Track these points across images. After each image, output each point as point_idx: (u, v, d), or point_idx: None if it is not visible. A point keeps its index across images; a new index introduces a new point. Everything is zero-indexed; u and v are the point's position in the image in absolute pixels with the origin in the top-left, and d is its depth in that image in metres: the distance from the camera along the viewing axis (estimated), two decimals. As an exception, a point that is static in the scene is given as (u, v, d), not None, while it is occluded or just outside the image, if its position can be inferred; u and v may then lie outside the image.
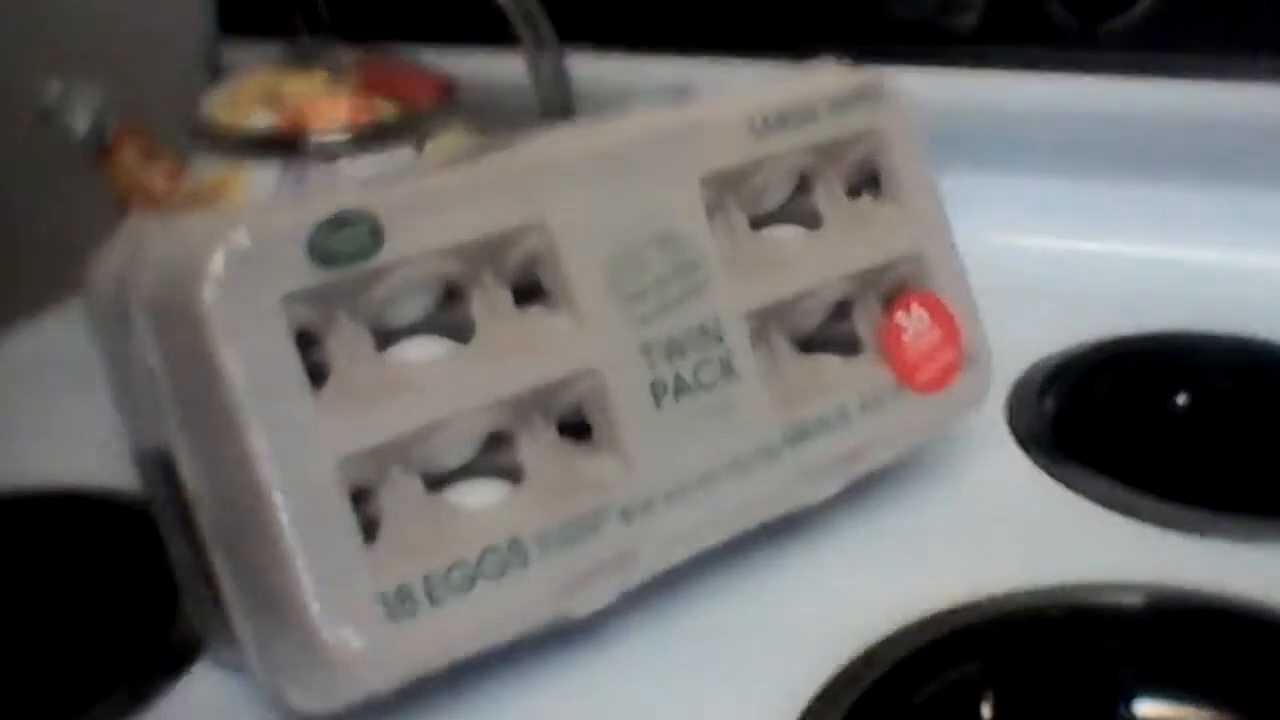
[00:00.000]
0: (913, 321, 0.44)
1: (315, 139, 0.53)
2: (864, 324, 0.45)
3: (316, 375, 0.35)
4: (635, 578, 0.39)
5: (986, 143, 0.62)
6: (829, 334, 0.45)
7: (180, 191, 0.55)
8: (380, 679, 0.35)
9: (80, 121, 0.56)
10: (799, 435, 0.41)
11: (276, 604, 0.34)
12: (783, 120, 0.43)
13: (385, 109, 0.53)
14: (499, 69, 0.59)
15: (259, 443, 0.34)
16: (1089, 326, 0.57)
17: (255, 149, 0.53)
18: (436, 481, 0.37)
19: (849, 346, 0.44)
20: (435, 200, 0.37)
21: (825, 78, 0.44)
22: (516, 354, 0.38)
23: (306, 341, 0.35)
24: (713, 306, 0.40)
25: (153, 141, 0.57)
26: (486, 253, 0.38)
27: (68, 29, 0.85)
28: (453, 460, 0.38)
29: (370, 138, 0.53)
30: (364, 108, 0.53)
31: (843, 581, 0.43)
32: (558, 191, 0.39)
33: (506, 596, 0.36)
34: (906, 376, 0.44)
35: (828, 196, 0.45)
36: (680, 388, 0.39)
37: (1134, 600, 0.41)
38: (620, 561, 0.38)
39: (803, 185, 0.45)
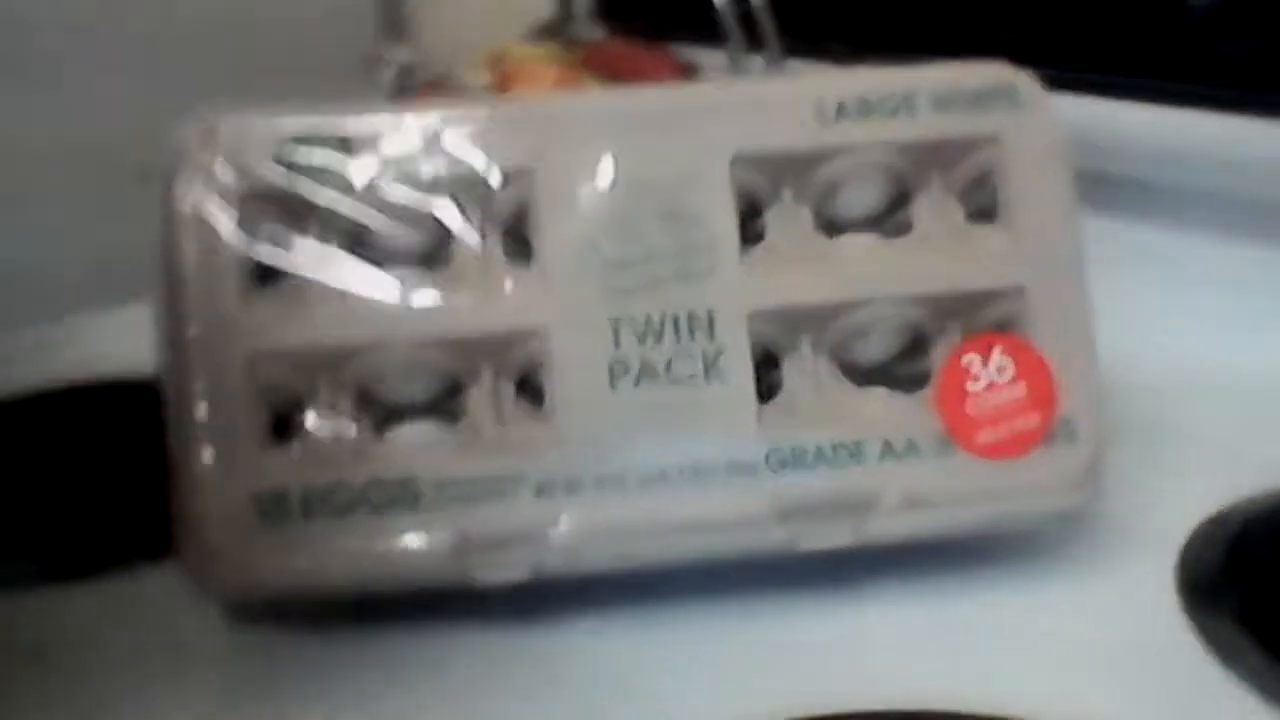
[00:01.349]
0: (989, 369, 0.37)
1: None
2: (940, 363, 0.38)
3: (274, 278, 0.37)
4: (551, 561, 0.36)
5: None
6: (901, 370, 0.38)
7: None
8: (245, 581, 0.36)
9: (387, 75, 0.61)
10: (788, 461, 0.36)
11: (179, 490, 0.36)
12: (864, 109, 0.37)
13: (592, 84, 0.53)
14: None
15: (190, 328, 0.36)
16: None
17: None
18: (390, 415, 0.37)
19: (915, 385, 0.38)
20: (412, 128, 0.37)
21: (942, 71, 0.38)
22: (465, 296, 0.36)
23: (279, 242, 0.37)
24: (711, 297, 0.36)
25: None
26: (469, 190, 0.37)
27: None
28: (399, 395, 0.37)
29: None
30: (570, 79, 0.53)
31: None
32: (561, 142, 0.37)
33: (387, 535, 0.35)
34: (960, 432, 0.37)
35: (929, 209, 0.38)
36: (645, 374, 0.36)
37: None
38: (531, 537, 0.36)
39: (905, 196, 0.39)
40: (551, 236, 0.36)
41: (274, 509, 0.35)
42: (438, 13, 0.65)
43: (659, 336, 0.36)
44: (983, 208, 0.38)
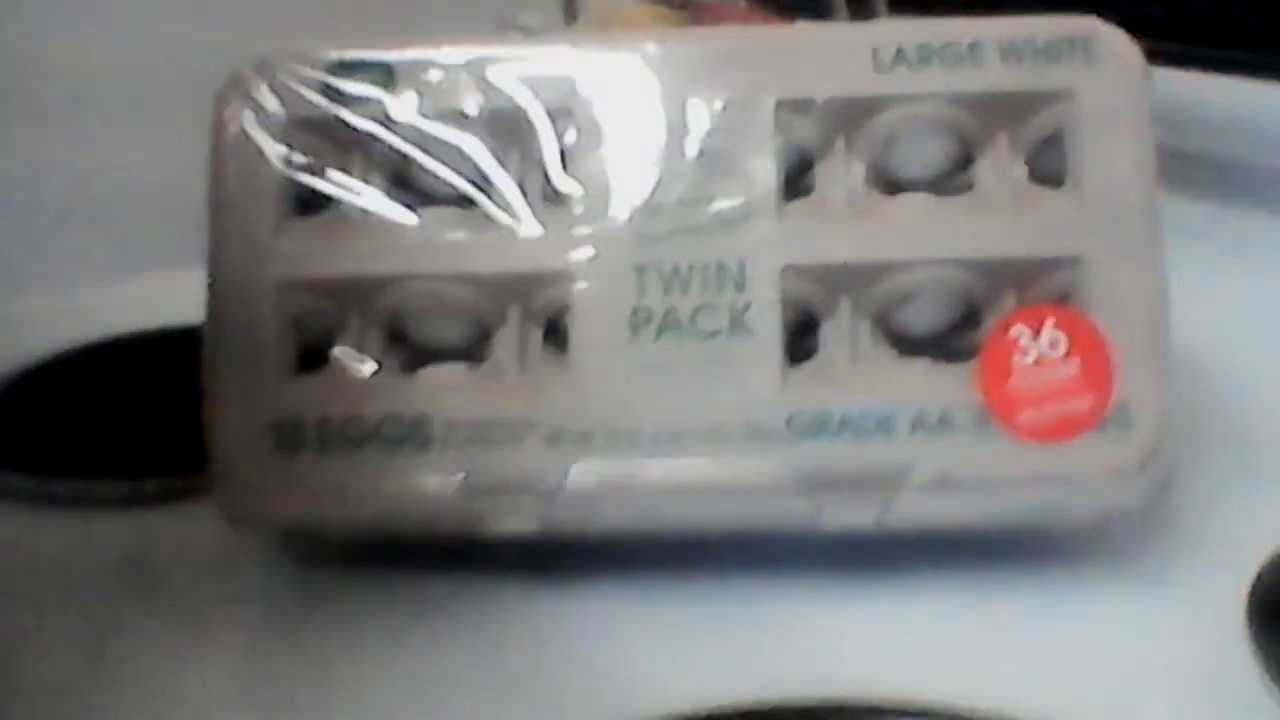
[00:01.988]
0: (1039, 343, 0.34)
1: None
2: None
3: (316, 206, 0.37)
4: (561, 515, 0.35)
5: None
6: (955, 344, 0.36)
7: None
8: (259, 508, 0.36)
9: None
10: (810, 428, 0.34)
11: (206, 413, 0.36)
12: (924, 56, 0.35)
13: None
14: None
15: (225, 252, 0.36)
16: None
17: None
18: (421, 356, 0.37)
19: (963, 356, 0.35)
20: (453, 65, 0.36)
21: (1013, 20, 0.35)
22: (493, 234, 0.36)
23: (318, 173, 0.37)
24: (743, 248, 0.35)
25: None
26: (510, 127, 0.36)
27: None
28: (427, 333, 0.37)
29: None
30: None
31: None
32: (602, 82, 0.36)
33: (401, 473, 0.35)
34: (1001, 409, 0.34)
35: (993, 168, 0.36)
36: (668, 325, 0.35)
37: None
38: (538, 487, 0.35)
39: (969, 154, 0.36)
40: (585, 177, 0.35)
41: (290, 438, 0.35)
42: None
43: (685, 286, 0.35)
44: (1053, 170, 0.35)
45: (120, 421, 0.48)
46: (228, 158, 0.36)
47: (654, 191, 0.35)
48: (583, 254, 0.35)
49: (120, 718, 0.32)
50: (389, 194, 0.37)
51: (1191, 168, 0.43)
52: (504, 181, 0.36)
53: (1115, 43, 0.35)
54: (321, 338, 0.37)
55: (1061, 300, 0.35)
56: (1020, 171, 0.36)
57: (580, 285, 0.35)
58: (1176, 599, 0.35)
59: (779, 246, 0.35)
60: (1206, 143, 0.49)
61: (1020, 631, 0.34)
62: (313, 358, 0.37)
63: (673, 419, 0.34)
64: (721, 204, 0.35)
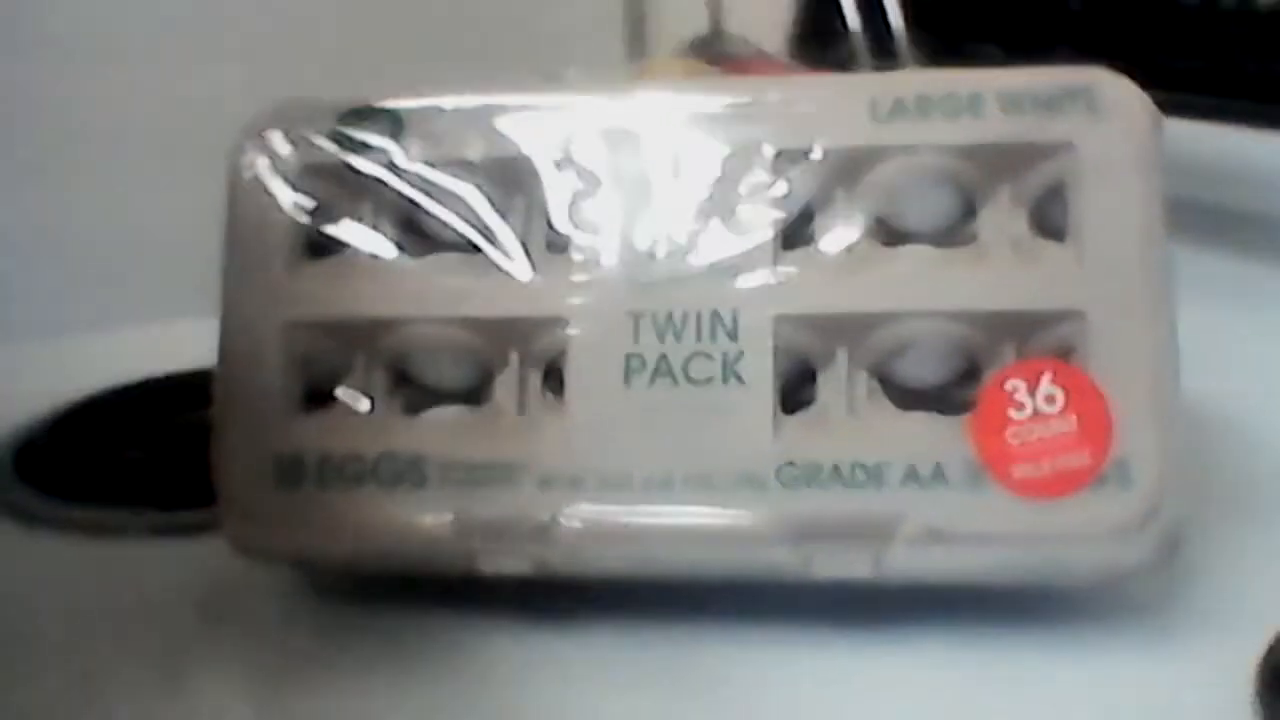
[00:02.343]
0: (1035, 397, 0.34)
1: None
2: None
3: (325, 251, 0.38)
4: (553, 558, 0.35)
5: None
6: (956, 396, 0.35)
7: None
8: (260, 542, 0.37)
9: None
10: (800, 478, 0.34)
11: (213, 446, 0.37)
12: (923, 107, 0.35)
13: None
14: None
15: (236, 291, 0.37)
16: None
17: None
18: (425, 399, 0.38)
19: (964, 411, 0.35)
20: (459, 112, 0.37)
21: (1014, 71, 0.35)
22: (493, 280, 0.36)
23: (329, 219, 0.38)
24: (736, 296, 0.35)
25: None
26: (512, 175, 0.37)
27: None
28: (430, 376, 0.38)
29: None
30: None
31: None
32: (603, 132, 0.36)
33: (396, 511, 0.35)
34: (994, 464, 0.34)
35: (995, 221, 0.35)
36: (661, 371, 0.35)
37: None
38: (534, 531, 0.35)
39: (973, 207, 0.36)
40: (584, 225, 0.36)
41: (291, 473, 0.36)
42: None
43: (679, 334, 0.35)
44: (1059, 224, 0.35)
45: (159, 456, 0.49)
46: (241, 202, 0.37)
47: (650, 239, 0.35)
48: (578, 300, 0.35)
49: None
50: (398, 239, 0.38)
51: (1221, 222, 0.42)
52: (503, 228, 0.36)
53: (1120, 93, 0.34)
54: (328, 378, 0.37)
55: (1063, 355, 0.34)
56: (1022, 224, 0.35)
57: (575, 331, 0.35)
58: (1181, 666, 0.34)
59: (772, 295, 0.35)
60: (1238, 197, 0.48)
61: (1018, 693, 0.34)
62: (320, 397, 0.37)
63: (663, 465, 0.34)
64: (716, 253, 0.35)
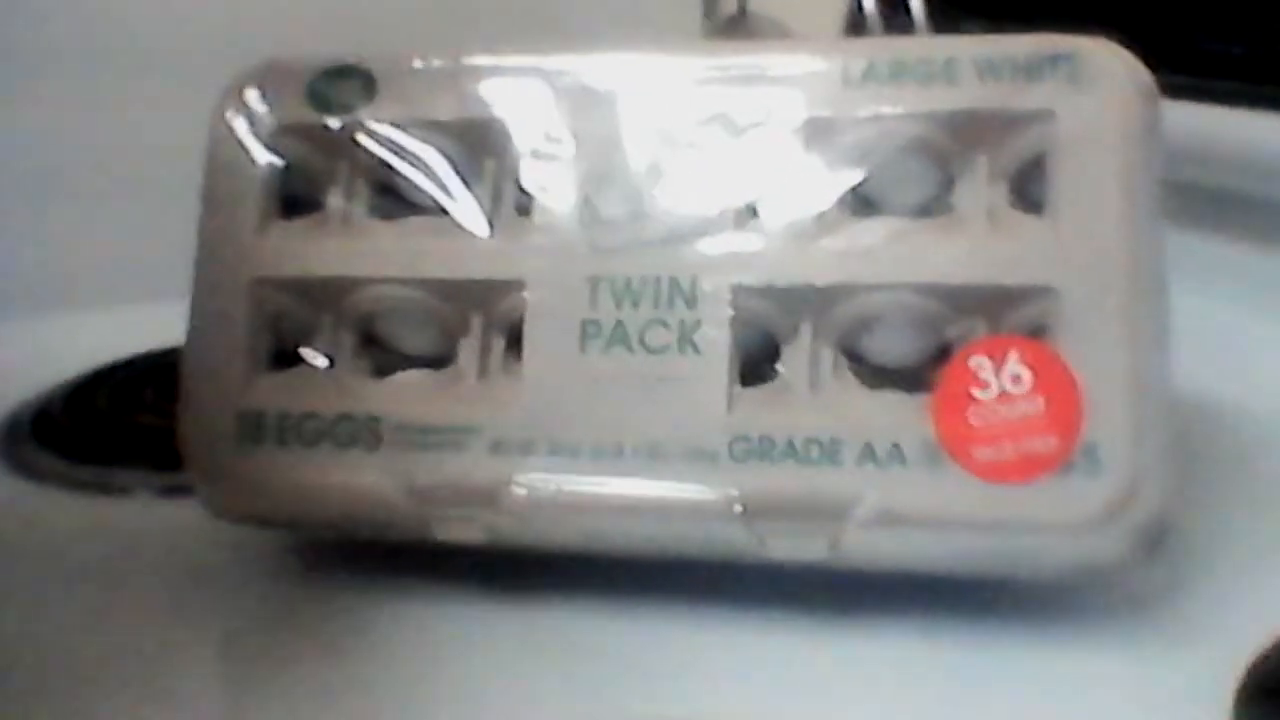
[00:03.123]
0: (1001, 376, 0.32)
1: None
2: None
3: (302, 209, 0.38)
4: (505, 526, 0.35)
5: None
6: (929, 377, 0.34)
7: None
8: (220, 498, 0.37)
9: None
10: (753, 452, 0.33)
11: (180, 401, 0.37)
12: (896, 72, 0.33)
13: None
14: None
15: (207, 248, 0.37)
16: None
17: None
18: (394, 362, 0.37)
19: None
20: (432, 73, 0.36)
21: (994, 38, 0.33)
22: (457, 242, 0.36)
23: (310, 180, 0.38)
24: (696, 264, 0.34)
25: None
26: (483, 136, 0.36)
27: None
28: (397, 339, 0.37)
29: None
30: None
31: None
32: (571, 96, 0.35)
33: (351, 473, 0.35)
34: (955, 444, 0.32)
35: (972, 193, 0.34)
36: (616, 339, 0.34)
37: None
38: (483, 497, 0.34)
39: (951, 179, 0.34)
40: (548, 189, 0.35)
41: (252, 431, 0.36)
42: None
43: (637, 300, 0.34)
44: (1038, 197, 0.33)
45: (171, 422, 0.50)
46: (217, 161, 0.37)
47: (613, 204, 0.34)
48: (536, 263, 0.35)
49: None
50: (372, 199, 0.37)
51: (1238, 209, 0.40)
52: (464, 191, 0.36)
53: (1106, 62, 0.33)
54: (297, 337, 0.37)
55: (1035, 335, 0.32)
56: (1001, 196, 0.34)
57: (532, 294, 0.35)
58: (1154, 673, 0.32)
59: (732, 264, 0.34)
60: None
61: (960, 687, 0.32)
62: (290, 358, 0.37)
63: (614, 434, 0.34)
64: (679, 219, 0.34)
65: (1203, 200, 0.47)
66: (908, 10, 0.49)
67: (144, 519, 0.43)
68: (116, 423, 0.51)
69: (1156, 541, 0.32)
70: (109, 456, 0.48)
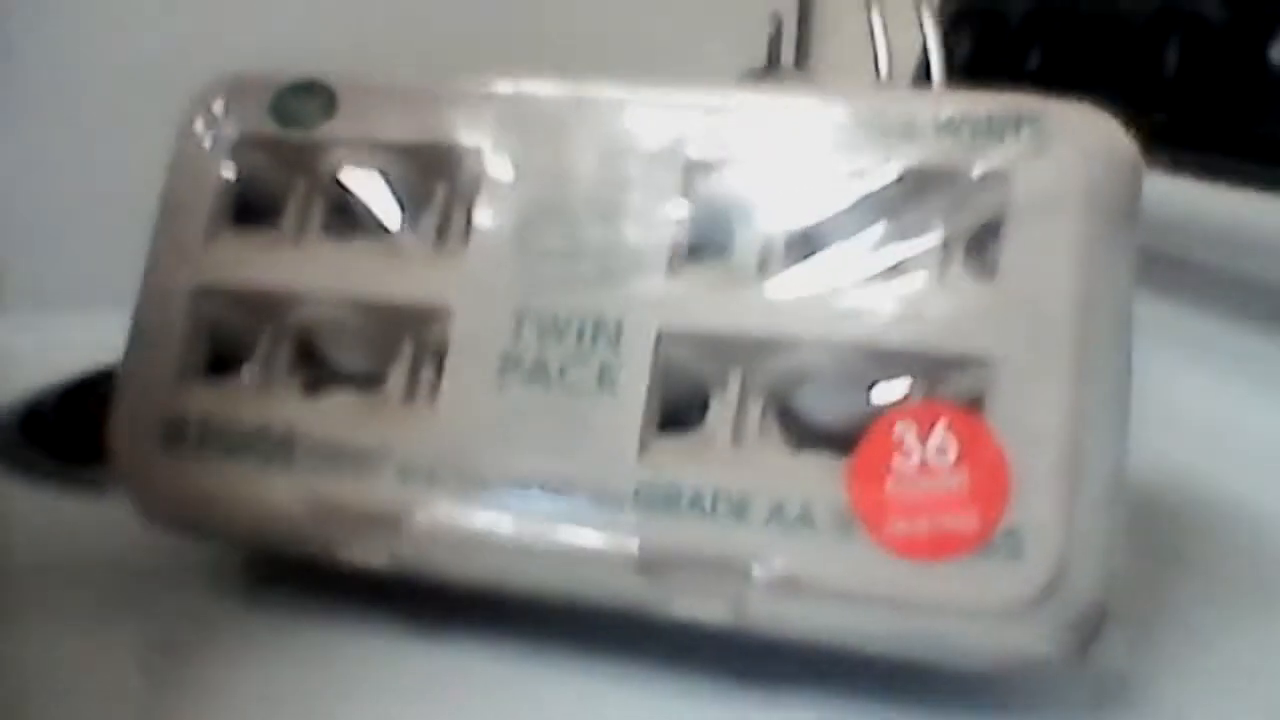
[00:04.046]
0: (927, 446, 0.30)
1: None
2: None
3: (257, 217, 0.37)
4: (408, 554, 0.33)
5: None
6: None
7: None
8: (143, 501, 0.36)
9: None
10: (658, 502, 0.31)
11: (112, 406, 0.37)
12: (855, 123, 0.32)
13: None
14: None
15: (153, 254, 0.37)
16: None
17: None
18: (329, 380, 0.37)
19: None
20: (392, 94, 0.36)
21: (957, 95, 0.32)
22: (390, 264, 0.35)
23: (268, 193, 0.37)
24: (623, 306, 0.32)
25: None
26: (423, 161, 0.35)
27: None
28: (332, 357, 0.36)
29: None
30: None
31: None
32: (516, 125, 0.35)
33: (266, 488, 0.34)
34: (868, 514, 0.30)
35: (921, 250, 0.32)
36: (536, 374, 0.33)
37: None
38: (388, 523, 0.33)
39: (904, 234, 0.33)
40: (486, 217, 0.34)
41: (175, 437, 0.35)
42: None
43: (561, 337, 0.33)
44: (992, 260, 0.31)
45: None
46: (178, 168, 0.37)
47: (548, 238, 0.33)
48: (465, 292, 0.34)
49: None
50: (327, 217, 0.37)
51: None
52: (411, 213, 0.35)
53: (1075, 127, 0.31)
54: (237, 349, 0.37)
55: (973, 405, 0.30)
56: (955, 258, 0.32)
57: (458, 323, 0.34)
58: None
59: (659, 308, 0.32)
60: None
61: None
62: (230, 368, 0.37)
63: (522, 471, 0.32)
64: (612, 260, 0.33)
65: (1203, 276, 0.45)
66: (928, 75, 0.48)
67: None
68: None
69: (1090, 635, 0.30)
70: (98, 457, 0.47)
